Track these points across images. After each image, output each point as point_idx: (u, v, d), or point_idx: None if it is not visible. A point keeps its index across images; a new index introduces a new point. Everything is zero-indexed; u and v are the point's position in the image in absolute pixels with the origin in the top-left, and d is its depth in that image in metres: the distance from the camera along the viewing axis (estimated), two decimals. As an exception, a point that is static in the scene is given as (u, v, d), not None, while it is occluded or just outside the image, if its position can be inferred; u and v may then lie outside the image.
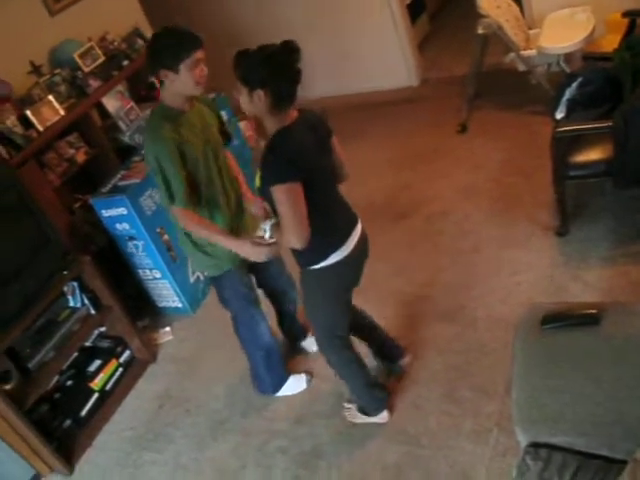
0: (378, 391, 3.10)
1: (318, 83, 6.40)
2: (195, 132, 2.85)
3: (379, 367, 3.34)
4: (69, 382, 3.82)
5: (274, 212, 2.50)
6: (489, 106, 5.55)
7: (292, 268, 3.10)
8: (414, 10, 6.81)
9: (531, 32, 5.23)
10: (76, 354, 3.87)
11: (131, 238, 4.11)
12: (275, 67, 2.32)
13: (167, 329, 4.34)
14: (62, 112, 4.12)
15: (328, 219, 2.59)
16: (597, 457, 2.07)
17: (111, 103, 4.59)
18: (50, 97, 4.09)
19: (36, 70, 4.26)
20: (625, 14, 4.44)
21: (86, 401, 3.80)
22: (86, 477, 3.50)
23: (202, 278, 4.39)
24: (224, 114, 4.69)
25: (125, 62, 4.63)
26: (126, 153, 4.46)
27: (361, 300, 3.10)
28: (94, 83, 4.38)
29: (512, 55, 5.07)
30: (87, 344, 4.01)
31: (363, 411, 3.15)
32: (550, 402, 2.23)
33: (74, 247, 3.87)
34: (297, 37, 2.49)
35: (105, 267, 3.95)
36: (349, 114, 6.17)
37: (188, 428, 3.54)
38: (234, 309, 3.28)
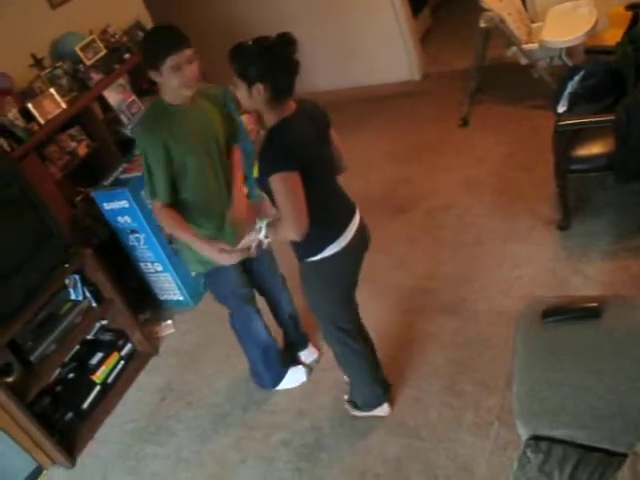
0: (378, 388, 3.09)
1: (319, 76, 6.40)
2: (191, 131, 2.82)
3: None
4: (71, 375, 3.83)
5: (274, 204, 2.48)
6: (491, 100, 5.54)
7: (289, 266, 3.11)
8: (416, 4, 6.79)
9: (533, 26, 5.22)
10: (78, 347, 3.88)
11: (133, 231, 4.12)
12: (273, 60, 2.30)
13: (169, 322, 4.35)
14: (64, 105, 4.11)
15: (326, 210, 2.57)
16: (598, 450, 2.07)
17: (112, 96, 4.58)
18: (52, 90, 4.09)
19: (38, 63, 4.26)
20: (629, 7, 4.43)
21: (88, 394, 3.81)
22: (88, 470, 3.51)
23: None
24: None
25: (127, 55, 4.63)
26: (127, 146, 4.46)
27: (362, 294, 3.10)
28: (96, 76, 4.38)
29: (514, 49, 5.06)
30: (89, 337, 4.02)
31: (357, 406, 3.15)
32: (551, 395, 2.23)
33: (76, 240, 3.87)
34: (299, 30, 2.49)
35: (107, 260, 3.96)
36: (350, 107, 6.16)
37: (190, 421, 3.55)
38: (228, 306, 3.28)
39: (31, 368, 3.48)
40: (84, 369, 3.87)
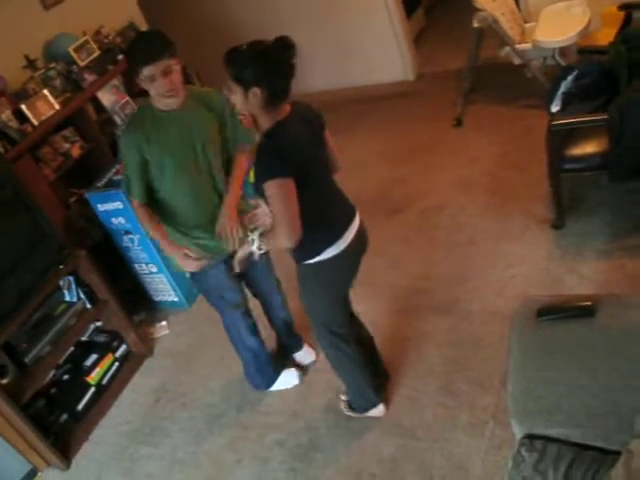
0: (371, 392, 3.08)
1: (314, 77, 6.40)
2: (172, 136, 2.82)
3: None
4: (65, 377, 3.83)
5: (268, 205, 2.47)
6: (484, 100, 5.55)
7: (285, 268, 3.11)
8: (409, 4, 6.80)
9: (527, 26, 5.23)
10: (72, 349, 3.88)
11: (127, 232, 4.11)
12: (270, 64, 2.28)
13: (163, 323, 4.35)
14: (57, 106, 4.11)
15: (324, 213, 2.57)
16: (592, 448, 2.08)
17: (106, 97, 4.57)
18: (45, 91, 4.08)
19: (31, 64, 4.25)
20: (621, 7, 4.44)
21: (82, 395, 3.80)
22: (83, 471, 3.50)
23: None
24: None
25: (120, 56, 4.61)
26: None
27: (357, 294, 3.10)
28: (89, 77, 4.37)
29: (507, 49, 5.07)
30: (83, 339, 4.01)
31: (352, 408, 3.15)
32: (546, 394, 2.24)
33: (70, 241, 3.87)
34: (293, 31, 2.49)
35: (101, 261, 3.95)
36: (344, 108, 6.17)
37: (184, 422, 3.55)
38: (216, 308, 3.29)
39: (25, 370, 3.47)
40: (79, 371, 3.86)
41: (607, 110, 3.35)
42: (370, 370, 3.08)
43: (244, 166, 3.06)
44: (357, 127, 5.81)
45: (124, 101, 4.63)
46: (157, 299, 4.48)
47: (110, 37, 4.70)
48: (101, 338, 4.06)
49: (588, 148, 3.60)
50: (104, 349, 3.98)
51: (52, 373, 3.77)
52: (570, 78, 3.83)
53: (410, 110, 5.90)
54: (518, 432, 2.25)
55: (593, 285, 3.40)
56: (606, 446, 2.06)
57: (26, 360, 3.48)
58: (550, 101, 3.85)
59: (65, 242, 3.73)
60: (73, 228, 4.13)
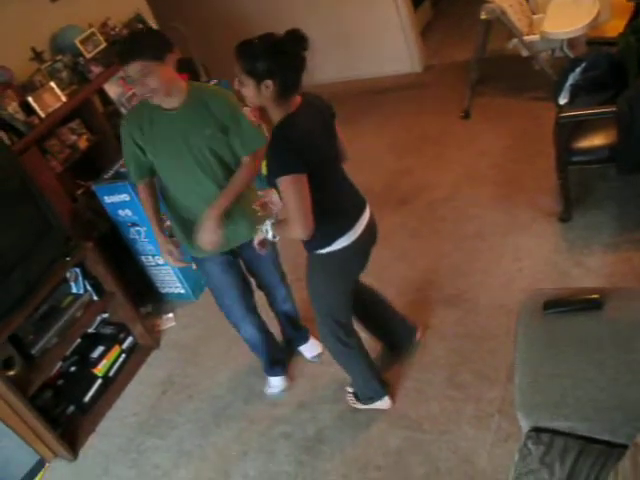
0: (376, 383, 3.09)
1: (320, 69, 6.37)
2: (161, 135, 2.82)
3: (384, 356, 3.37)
4: (72, 368, 3.84)
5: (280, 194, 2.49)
6: (492, 92, 5.53)
7: (292, 260, 3.11)
8: (416, -4, 6.78)
9: (535, 17, 5.21)
10: (79, 340, 3.89)
11: (133, 224, 4.12)
12: (282, 56, 2.29)
13: (170, 315, 4.35)
14: (64, 98, 4.11)
15: (336, 203, 2.57)
16: (599, 442, 2.07)
17: (113, 89, 4.57)
18: (52, 83, 4.08)
19: (37, 56, 4.25)
20: (631, -2, 4.42)
21: (89, 387, 3.82)
22: (90, 462, 3.52)
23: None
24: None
25: (127, 48, 4.61)
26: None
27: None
28: (95, 69, 4.37)
29: (515, 41, 5.05)
30: (90, 330, 4.02)
31: (358, 398, 3.16)
32: (552, 387, 2.23)
33: (76, 233, 3.87)
34: (299, 22, 2.48)
35: (108, 253, 3.95)
36: (352, 100, 6.15)
37: (191, 414, 3.55)
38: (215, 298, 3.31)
39: (32, 362, 3.48)
40: (85, 362, 3.88)
41: (616, 102, 3.33)
42: (383, 346, 3.15)
43: (248, 172, 2.93)
44: (364, 119, 5.79)
45: (130, 93, 4.63)
46: (163, 291, 4.49)
47: (117, 29, 4.70)
48: (108, 330, 4.07)
49: (596, 140, 3.59)
50: (111, 341, 3.99)
51: (59, 365, 3.79)
52: (578, 70, 3.81)
53: (417, 102, 5.88)
54: (524, 425, 2.25)
55: (600, 278, 3.39)
56: (613, 439, 2.05)
57: (33, 352, 3.49)
58: (558, 93, 3.83)
59: (72, 234, 3.73)
60: (80, 220, 4.14)
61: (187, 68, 4.97)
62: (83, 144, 4.28)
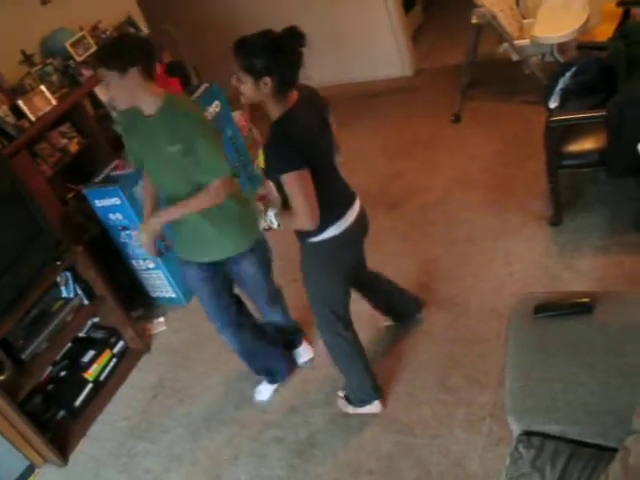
0: (370, 385, 3.09)
1: (312, 72, 6.36)
2: (145, 140, 2.83)
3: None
4: (63, 373, 3.82)
5: (279, 191, 2.55)
6: (483, 96, 5.54)
7: (289, 258, 3.09)
8: (407, 1, 6.79)
9: (525, 22, 5.23)
10: (70, 345, 3.87)
11: (124, 228, 4.10)
12: (281, 53, 2.33)
13: (161, 319, 4.34)
14: (54, 102, 4.09)
15: (328, 193, 2.59)
16: (589, 445, 2.08)
17: (103, 93, 4.55)
18: (42, 87, 4.06)
19: (28, 59, 4.23)
20: (619, 3, 4.44)
21: (80, 392, 3.80)
22: (80, 467, 3.50)
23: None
24: (217, 104, 4.70)
25: (117, 51, 4.60)
26: (119, 143, 4.43)
27: (354, 290, 3.10)
28: (86, 72, 4.35)
29: (506, 45, 5.06)
30: (80, 335, 4.00)
31: (350, 401, 3.15)
32: (543, 391, 2.24)
33: (67, 237, 3.85)
34: (290, 25, 2.48)
35: (98, 257, 3.94)
36: (342, 103, 6.13)
37: (182, 418, 3.54)
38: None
39: (22, 366, 3.46)
40: (76, 367, 3.86)
41: (606, 107, 3.35)
42: (368, 362, 3.10)
43: (206, 197, 2.77)
44: (355, 122, 5.80)
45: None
46: (154, 295, 4.47)
47: (107, 32, 4.68)
48: (98, 334, 4.05)
49: (586, 144, 3.60)
50: (101, 345, 3.97)
51: (49, 369, 3.77)
52: (568, 74, 3.83)
53: (409, 106, 5.89)
54: (515, 429, 2.25)
55: (591, 281, 3.40)
56: (603, 443, 2.05)
57: (23, 356, 3.47)
58: (548, 97, 3.85)
59: (62, 238, 3.72)
60: (70, 224, 4.12)
61: (178, 71, 4.97)
62: (74, 148, 4.26)
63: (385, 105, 6.05)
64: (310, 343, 3.59)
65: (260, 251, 3.08)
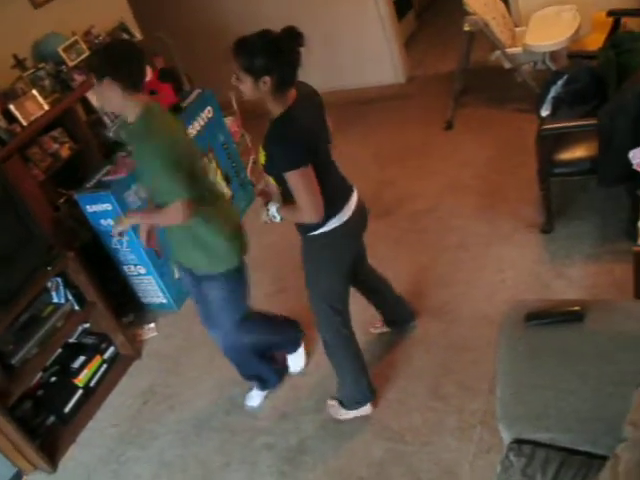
0: (366, 385, 3.10)
1: (305, 79, 6.38)
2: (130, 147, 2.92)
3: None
4: (53, 378, 3.80)
5: (280, 185, 2.60)
6: (475, 103, 5.57)
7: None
8: (401, 7, 6.82)
9: (517, 30, 5.25)
10: (60, 350, 3.85)
11: (116, 234, 4.09)
12: (280, 53, 2.38)
13: (152, 325, 4.33)
14: (46, 107, 4.08)
15: (328, 186, 2.63)
16: (580, 453, 2.08)
17: (95, 98, 4.55)
18: (34, 91, 4.05)
19: (20, 64, 4.22)
20: (610, 13, 4.46)
21: (70, 398, 3.78)
22: (69, 474, 3.48)
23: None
24: (209, 110, 4.70)
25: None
26: (111, 148, 4.43)
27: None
28: (79, 77, 4.34)
29: (498, 53, 5.08)
30: (71, 340, 3.98)
31: (343, 404, 3.15)
32: (534, 399, 2.24)
33: (58, 242, 3.83)
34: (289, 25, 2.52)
35: (89, 263, 3.93)
36: (335, 110, 6.10)
37: (172, 425, 3.53)
38: None
39: (12, 372, 3.44)
40: (66, 373, 3.84)
41: (597, 115, 3.36)
42: (362, 360, 3.12)
43: (169, 214, 2.74)
44: (348, 129, 5.80)
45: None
46: (145, 301, 4.46)
47: (100, 37, 4.68)
48: (89, 340, 4.03)
49: (577, 153, 3.62)
50: (92, 351, 3.96)
51: (39, 375, 3.74)
52: (560, 83, 3.85)
53: (401, 113, 5.90)
54: (506, 437, 2.25)
55: (582, 289, 3.41)
56: (594, 451, 2.06)
57: (13, 362, 3.45)
58: (540, 105, 3.87)
59: (53, 243, 3.70)
60: (62, 229, 4.11)
61: (170, 77, 4.97)
62: (65, 152, 4.26)
63: (378, 112, 6.07)
64: (306, 350, 3.57)
65: (229, 282, 3.00)
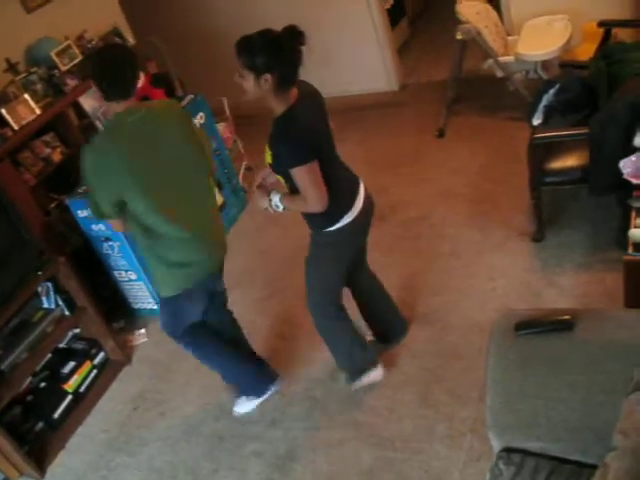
0: (360, 351, 3.19)
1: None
2: None
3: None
4: (42, 384, 3.78)
5: (287, 182, 2.67)
6: (467, 111, 5.58)
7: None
8: (394, 15, 6.84)
9: (509, 39, 5.27)
10: (50, 356, 3.83)
11: (107, 239, 4.08)
12: (281, 51, 2.43)
13: (142, 331, 4.31)
14: (38, 111, 4.07)
15: (336, 182, 2.70)
16: (569, 462, 2.08)
17: (88, 102, 4.54)
18: (26, 96, 4.04)
19: (12, 68, 4.21)
20: (601, 24, 4.49)
21: (59, 403, 3.76)
22: (58, 481, 3.47)
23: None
24: (201, 116, 4.70)
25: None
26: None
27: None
28: (71, 82, 4.34)
29: (490, 61, 5.11)
30: (61, 345, 3.97)
31: (352, 379, 3.25)
32: (524, 407, 2.24)
33: (49, 247, 3.83)
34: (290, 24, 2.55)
35: (80, 268, 3.92)
36: (331, 117, 6.16)
37: (162, 431, 3.52)
38: None
39: (1, 377, 3.42)
40: (56, 378, 3.82)
41: (588, 124, 3.38)
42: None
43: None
44: (340, 137, 5.73)
45: (105, 107, 4.60)
46: (136, 307, 4.45)
47: (93, 42, 4.67)
48: (79, 345, 4.02)
49: (569, 162, 3.63)
50: (82, 356, 3.94)
51: (29, 380, 3.73)
52: (552, 92, 3.86)
53: (393, 120, 5.92)
54: (496, 445, 2.25)
55: (573, 298, 3.42)
56: (584, 460, 2.06)
57: (2, 367, 3.43)
58: (532, 114, 3.88)
59: (44, 248, 3.69)
60: (52, 234, 4.10)
61: (163, 82, 4.97)
62: (57, 157, 4.25)
63: (371, 119, 6.08)
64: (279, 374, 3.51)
65: (167, 305, 3.10)
